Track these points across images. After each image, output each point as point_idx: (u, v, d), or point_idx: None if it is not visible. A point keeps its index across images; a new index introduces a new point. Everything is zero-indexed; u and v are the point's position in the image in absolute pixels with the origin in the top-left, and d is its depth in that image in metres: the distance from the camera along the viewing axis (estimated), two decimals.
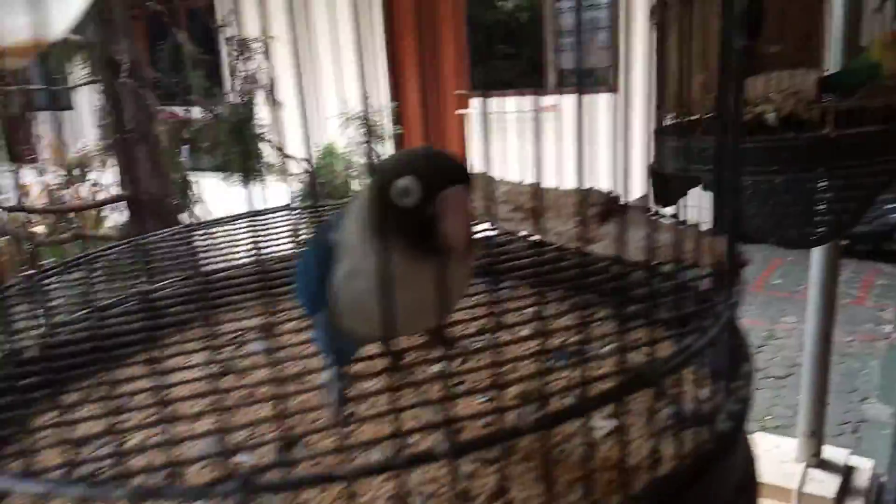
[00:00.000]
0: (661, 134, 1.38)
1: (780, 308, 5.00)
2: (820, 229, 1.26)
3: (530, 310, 0.69)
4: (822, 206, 1.24)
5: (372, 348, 0.68)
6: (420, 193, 0.51)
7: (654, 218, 0.51)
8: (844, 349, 4.37)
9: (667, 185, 1.44)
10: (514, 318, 0.70)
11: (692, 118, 1.32)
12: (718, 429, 0.45)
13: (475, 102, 7.97)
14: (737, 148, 0.55)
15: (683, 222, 0.61)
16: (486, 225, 0.82)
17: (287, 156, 2.52)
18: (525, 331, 0.66)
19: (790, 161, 1.21)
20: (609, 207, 0.65)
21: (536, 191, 0.43)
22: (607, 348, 0.62)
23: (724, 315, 0.49)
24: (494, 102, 7.63)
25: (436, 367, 0.70)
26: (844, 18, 1.64)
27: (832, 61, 1.66)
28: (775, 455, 2.71)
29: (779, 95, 1.21)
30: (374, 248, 0.53)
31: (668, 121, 1.39)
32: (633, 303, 0.61)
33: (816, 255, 2.30)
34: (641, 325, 0.55)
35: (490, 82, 7.85)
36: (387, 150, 3.23)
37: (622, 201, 0.48)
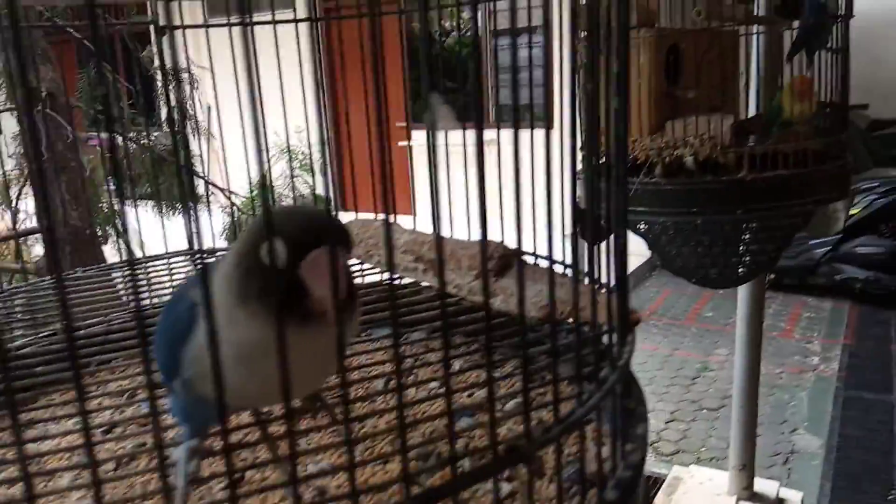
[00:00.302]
0: (584, 173, 1.39)
1: (712, 340, 5.11)
2: (739, 269, 1.28)
3: (435, 364, 0.67)
4: (740, 247, 1.27)
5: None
6: (286, 255, 0.48)
7: (551, 272, 0.49)
8: (774, 381, 4.48)
9: (593, 224, 1.45)
10: (421, 373, 0.68)
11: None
12: (607, 498, 0.43)
13: (416, 135, 8.02)
14: (622, 203, 0.55)
15: (586, 274, 0.60)
16: (388, 275, 0.80)
17: (216, 186, 2.46)
18: (433, 384, 0.64)
19: (708, 203, 1.23)
20: (507, 261, 0.64)
21: (436, 242, 0.41)
22: (510, 405, 0.60)
23: (609, 379, 0.48)
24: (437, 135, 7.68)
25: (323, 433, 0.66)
26: (763, 64, 1.70)
27: (752, 106, 1.71)
28: (708, 488, 2.74)
29: (696, 140, 1.24)
30: (238, 312, 0.49)
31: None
32: (534, 360, 0.59)
33: (743, 289, 2.36)
34: (544, 384, 0.53)
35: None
36: (316, 183, 3.20)
37: (520, 253, 0.47)
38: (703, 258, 1.28)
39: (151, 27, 1.11)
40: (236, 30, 1.12)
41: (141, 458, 0.69)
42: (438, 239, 0.39)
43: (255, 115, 0.36)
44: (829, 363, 4.65)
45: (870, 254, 5.17)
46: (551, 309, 0.43)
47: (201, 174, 2.41)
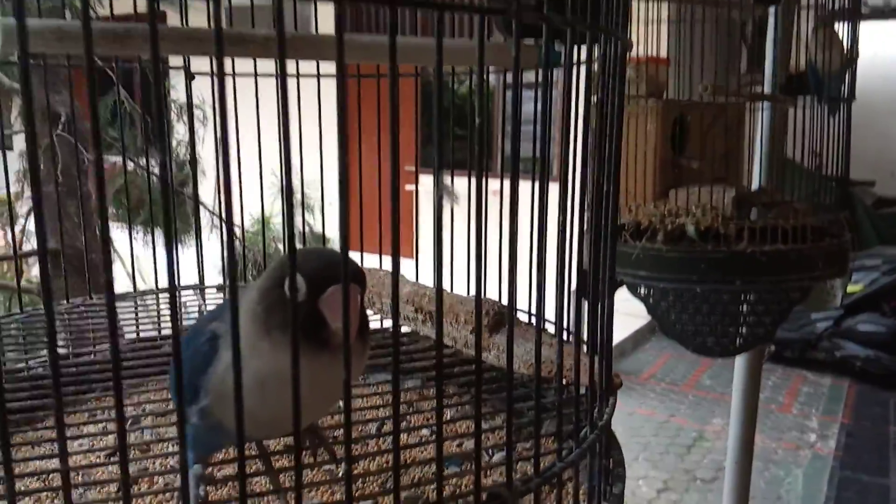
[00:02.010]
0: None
1: (709, 409, 5.06)
2: (736, 340, 1.29)
3: (427, 411, 0.67)
4: (738, 318, 1.28)
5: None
6: (306, 290, 0.52)
7: (538, 332, 0.51)
8: (770, 456, 4.42)
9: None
10: (414, 419, 0.69)
11: (620, 222, 1.35)
12: None
13: (424, 179, 8.10)
14: (610, 270, 0.56)
15: (572, 334, 0.61)
16: (390, 322, 0.81)
17: (217, 215, 2.49)
18: (424, 431, 0.65)
19: (708, 272, 1.24)
20: (500, 318, 0.66)
21: (436, 295, 0.44)
22: (497, 457, 0.61)
23: (588, 438, 0.48)
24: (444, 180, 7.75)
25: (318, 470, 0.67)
26: (767, 139, 1.73)
27: (755, 178, 1.74)
28: None
29: (698, 209, 1.26)
30: (262, 343, 0.53)
31: None
32: (522, 414, 0.60)
33: (740, 360, 2.35)
34: (529, 438, 0.54)
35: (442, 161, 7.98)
36: (317, 221, 3.22)
37: (513, 312, 0.49)
38: (701, 326, 1.29)
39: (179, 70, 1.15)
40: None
41: (142, 483, 0.70)
42: (439, 294, 0.41)
43: (288, 158, 0.38)
44: (826, 441, 4.59)
45: (871, 332, 5.15)
46: (537, 368, 0.45)
47: (203, 204, 2.44)
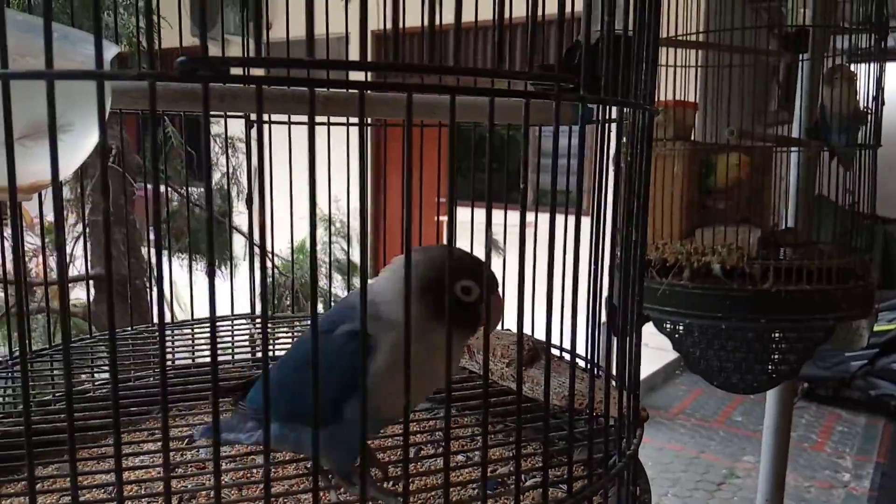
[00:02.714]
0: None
1: (740, 446, 4.99)
2: (761, 376, 1.31)
3: (463, 438, 0.72)
4: (762, 355, 1.30)
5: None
6: (478, 293, 0.65)
7: (572, 367, 0.55)
8: (803, 494, 4.34)
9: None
10: (455, 445, 0.74)
11: (647, 258, 1.40)
12: None
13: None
14: (638, 308, 0.60)
15: (603, 369, 0.65)
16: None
17: (259, 247, 2.56)
18: (460, 457, 0.70)
19: (733, 309, 1.28)
20: (534, 353, 0.71)
21: (485, 338, 0.51)
22: (530, 482, 0.65)
23: (616, 466, 0.53)
24: (473, 213, 7.85)
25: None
26: (801, 180, 1.76)
27: (786, 218, 1.77)
28: None
29: (724, 249, 1.30)
30: (432, 325, 0.64)
31: None
32: (555, 443, 0.65)
33: (771, 397, 2.34)
34: (561, 465, 0.58)
35: (467, 194, 8.09)
36: (354, 251, 3.30)
37: (547, 347, 0.54)
38: (726, 363, 1.32)
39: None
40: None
41: (200, 496, 0.76)
42: (487, 336, 0.47)
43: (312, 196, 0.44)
44: (860, 481, 4.49)
45: None
46: (570, 400, 0.49)
47: (244, 233, 2.53)
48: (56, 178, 0.41)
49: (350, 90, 0.42)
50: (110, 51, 0.53)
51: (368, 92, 0.42)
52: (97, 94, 0.35)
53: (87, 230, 2.22)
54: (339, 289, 3.14)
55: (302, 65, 0.44)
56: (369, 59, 0.46)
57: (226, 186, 2.59)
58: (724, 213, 1.38)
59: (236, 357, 1.14)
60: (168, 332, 1.22)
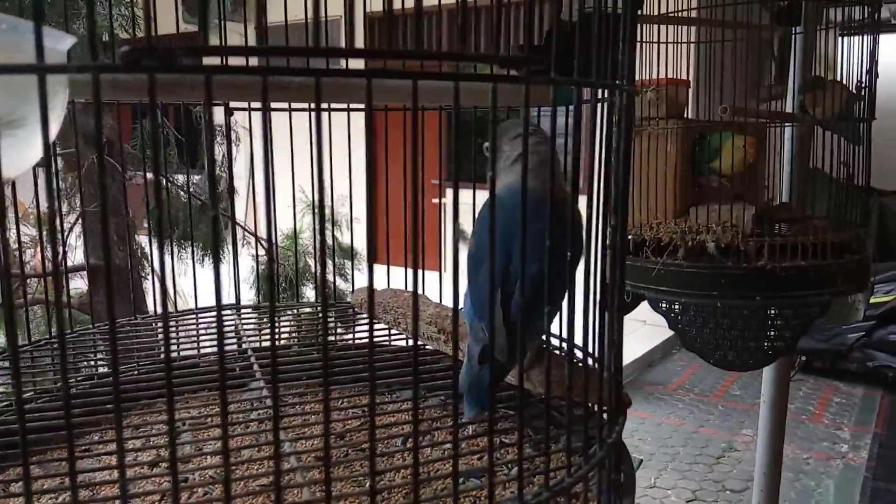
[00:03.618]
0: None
1: (738, 420, 5.02)
2: (757, 354, 1.31)
3: (451, 427, 0.72)
4: (758, 332, 1.30)
5: None
6: None
7: (549, 353, 0.55)
8: (801, 466, 4.38)
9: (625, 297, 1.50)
10: (438, 435, 0.74)
11: (644, 238, 1.39)
12: None
13: (450, 192, 8.16)
14: (620, 294, 0.60)
15: (588, 354, 0.65)
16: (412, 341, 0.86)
17: (250, 232, 2.56)
18: (447, 445, 0.69)
19: (728, 287, 1.27)
20: (540, 354, 0.70)
21: (456, 316, 0.48)
22: (515, 471, 0.65)
23: (597, 455, 0.52)
24: (468, 194, 7.84)
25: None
26: (796, 155, 1.75)
27: (780, 193, 1.76)
28: None
29: (718, 227, 1.29)
30: None
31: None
32: (538, 431, 0.65)
33: (768, 371, 2.35)
34: (541, 454, 0.58)
35: (466, 175, 8.08)
36: (345, 237, 3.29)
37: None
38: (722, 341, 1.32)
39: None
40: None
41: (182, 493, 0.75)
42: (455, 316, 0.46)
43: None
44: (858, 451, 4.53)
45: None
46: (547, 387, 0.49)
47: (237, 221, 2.52)
48: None
49: (306, 77, 0.40)
50: (64, 42, 0.51)
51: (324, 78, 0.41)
52: (38, 88, 0.34)
53: (82, 220, 2.21)
54: (331, 275, 3.14)
55: (257, 53, 0.43)
56: (362, 45, 0.45)
57: (223, 175, 2.57)
58: (717, 191, 1.37)
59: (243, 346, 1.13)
60: (172, 323, 1.21)
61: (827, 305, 1.31)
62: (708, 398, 5.47)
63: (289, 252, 2.94)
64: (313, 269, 3.04)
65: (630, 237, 1.42)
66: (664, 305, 1.36)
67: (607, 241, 0.67)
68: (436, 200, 8.74)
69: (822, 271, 1.27)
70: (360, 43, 8.79)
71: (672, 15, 1.48)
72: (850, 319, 1.48)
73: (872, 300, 5.22)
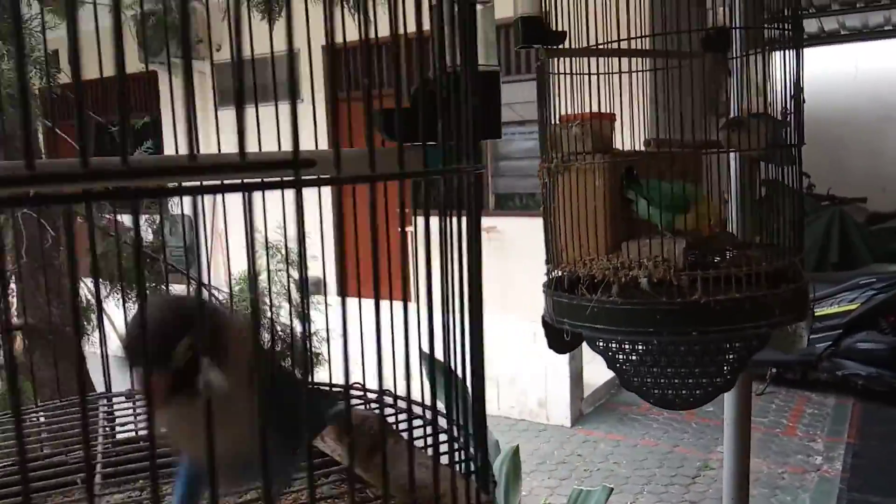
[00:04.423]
0: (549, 286, 1.41)
1: (713, 437, 5.00)
2: (696, 391, 1.27)
3: None
4: (696, 369, 1.27)
5: None
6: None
7: (417, 453, 0.50)
8: (776, 481, 4.36)
9: (558, 336, 1.46)
10: None
11: (578, 275, 1.35)
12: None
13: (417, 220, 8.16)
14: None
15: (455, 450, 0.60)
16: None
17: (193, 279, 2.48)
18: None
19: (664, 324, 1.24)
20: (378, 440, 0.65)
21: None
22: None
23: None
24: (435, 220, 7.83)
25: None
26: (739, 184, 1.72)
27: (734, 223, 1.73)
28: None
29: (650, 262, 1.26)
30: None
31: (557, 274, 1.42)
32: None
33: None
34: None
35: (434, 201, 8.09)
36: (300, 277, 3.22)
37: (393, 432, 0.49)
38: (660, 379, 1.28)
39: None
40: None
41: None
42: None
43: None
44: (832, 463, 4.53)
45: (871, 350, 5.11)
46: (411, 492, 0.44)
47: (179, 269, 2.45)
48: None
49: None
50: None
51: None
52: None
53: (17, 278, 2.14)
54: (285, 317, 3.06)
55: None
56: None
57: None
58: (649, 224, 1.34)
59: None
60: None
61: (766, 337, 1.28)
62: (682, 416, 5.44)
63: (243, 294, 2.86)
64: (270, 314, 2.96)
65: (565, 274, 1.39)
66: (601, 344, 1.33)
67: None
68: (407, 229, 8.73)
69: (757, 303, 1.24)
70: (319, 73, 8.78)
71: (600, 47, 1.46)
72: (795, 348, 1.45)
73: (838, 308, 5.26)
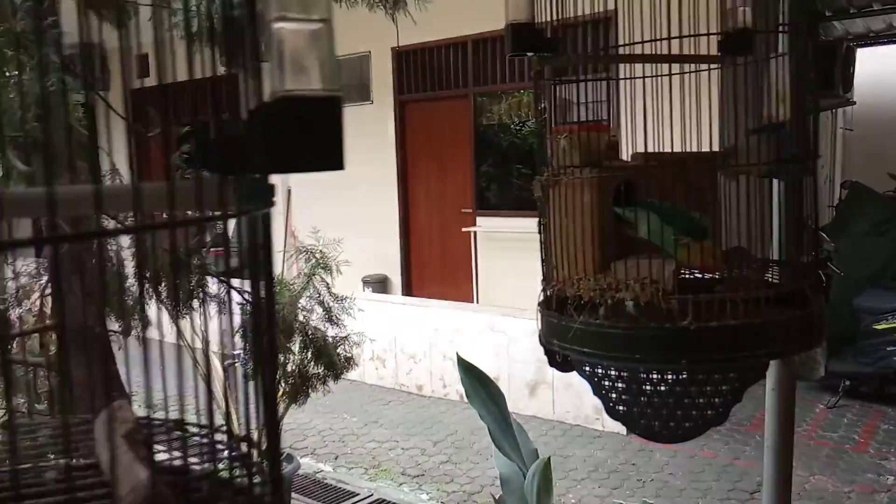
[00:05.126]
0: (542, 305, 1.35)
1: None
2: (685, 423, 1.19)
3: None
4: (685, 400, 1.18)
5: None
6: None
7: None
8: (842, 501, 4.11)
9: (554, 356, 1.40)
10: None
11: (567, 295, 1.29)
12: None
13: (481, 221, 8.12)
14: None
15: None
16: None
17: (231, 286, 2.52)
18: None
19: (652, 350, 1.15)
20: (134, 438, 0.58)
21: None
22: None
23: None
24: (501, 222, 7.78)
25: None
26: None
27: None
28: None
29: (637, 283, 1.18)
30: None
31: (549, 293, 1.36)
32: None
33: (770, 396, 2.14)
34: None
35: (500, 202, 8.04)
36: (334, 281, 3.24)
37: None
38: (646, 409, 1.20)
39: None
40: None
41: None
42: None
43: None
44: None
45: None
46: None
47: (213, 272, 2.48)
48: None
49: None
50: None
51: None
52: None
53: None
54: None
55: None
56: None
57: None
58: (645, 242, 1.26)
59: None
60: None
61: (763, 368, 1.18)
62: (745, 427, 5.21)
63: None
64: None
65: (555, 293, 1.32)
66: (587, 369, 1.26)
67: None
68: (466, 229, 8.70)
69: (755, 330, 1.14)
70: (388, 75, 8.84)
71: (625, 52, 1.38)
72: (810, 376, 1.34)
73: None
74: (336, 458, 5.09)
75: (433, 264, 8.82)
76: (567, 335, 1.21)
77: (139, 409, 0.84)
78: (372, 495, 4.45)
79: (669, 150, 1.34)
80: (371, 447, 5.27)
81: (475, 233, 7.99)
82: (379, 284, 8.92)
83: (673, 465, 4.72)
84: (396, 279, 9.03)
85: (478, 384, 3.12)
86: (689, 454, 4.84)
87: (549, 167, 1.34)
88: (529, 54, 1.30)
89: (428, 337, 6.34)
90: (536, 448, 3.15)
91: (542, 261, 1.37)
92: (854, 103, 8.52)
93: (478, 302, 7.84)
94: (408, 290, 9.04)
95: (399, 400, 6.31)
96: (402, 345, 6.54)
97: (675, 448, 4.95)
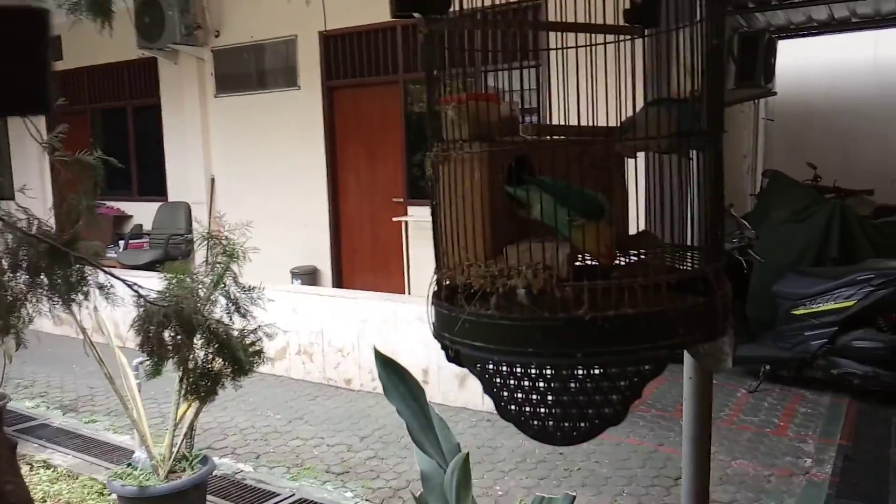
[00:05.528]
0: (431, 295, 1.23)
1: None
2: (580, 423, 1.09)
3: None
4: (580, 397, 1.08)
5: None
6: None
7: None
8: (762, 485, 4.17)
9: (448, 351, 1.28)
10: None
11: (457, 284, 1.17)
12: None
13: (413, 210, 7.99)
14: None
15: None
16: None
17: (116, 277, 2.34)
18: None
19: (544, 343, 1.05)
20: None
21: None
22: None
23: None
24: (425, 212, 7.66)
25: None
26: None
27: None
28: None
29: (529, 270, 1.07)
30: None
31: (440, 281, 1.24)
32: None
33: (688, 382, 2.09)
34: None
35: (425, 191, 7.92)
36: (241, 269, 3.06)
37: None
38: (539, 408, 1.10)
39: None
40: None
41: None
42: None
43: None
44: (822, 466, 4.32)
45: (867, 348, 4.88)
46: None
47: (96, 264, 2.29)
48: None
49: None
50: None
51: None
52: None
53: None
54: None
55: None
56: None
57: None
58: (537, 225, 1.15)
59: None
60: None
61: (664, 361, 1.09)
62: (670, 413, 5.26)
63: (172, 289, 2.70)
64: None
65: (445, 282, 1.21)
66: (478, 365, 1.14)
67: None
68: (397, 219, 8.55)
69: (655, 320, 1.05)
70: (315, 60, 8.58)
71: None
72: (718, 368, 1.26)
73: (835, 305, 5.03)
74: (257, 458, 4.89)
75: (364, 255, 8.65)
76: (456, 327, 1.09)
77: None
78: (294, 495, 4.28)
79: (565, 124, 1.23)
80: (295, 445, 5.09)
81: (406, 222, 7.85)
82: (308, 276, 8.70)
83: (599, 452, 4.71)
84: (327, 271, 8.82)
85: (396, 378, 2.99)
86: (615, 442, 4.84)
87: (439, 142, 1.22)
88: (416, 15, 1.17)
89: (356, 329, 6.18)
90: (459, 443, 3.05)
91: (434, 246, 1.25)
92: (775, 93, 8.74)
93: (410, 292, 7.71)
94: (338, 281, 8.85)
95: (326, 395, 6.14)
96: (330, 338, 6.36)
97: (602, 436, 4.95)
